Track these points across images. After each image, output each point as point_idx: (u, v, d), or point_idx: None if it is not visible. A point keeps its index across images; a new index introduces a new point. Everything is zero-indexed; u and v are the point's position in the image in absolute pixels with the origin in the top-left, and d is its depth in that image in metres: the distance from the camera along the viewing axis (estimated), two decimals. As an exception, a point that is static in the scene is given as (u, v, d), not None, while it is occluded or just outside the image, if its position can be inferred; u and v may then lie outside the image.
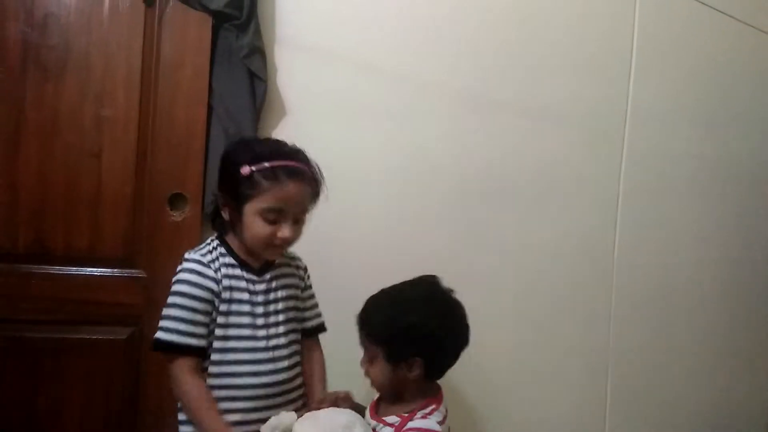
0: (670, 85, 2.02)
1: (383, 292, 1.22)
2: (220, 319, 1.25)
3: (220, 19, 1.66)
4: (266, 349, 1.29)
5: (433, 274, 1.23)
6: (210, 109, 1.68)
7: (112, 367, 1.65)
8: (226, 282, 1.26)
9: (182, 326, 1.21)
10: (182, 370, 1.21)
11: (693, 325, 2.10)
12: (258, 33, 1.70)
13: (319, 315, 1.44)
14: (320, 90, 1.78)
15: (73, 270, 1.65)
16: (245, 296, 1.28)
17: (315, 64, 1.79)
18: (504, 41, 1.92)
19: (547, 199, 1.96)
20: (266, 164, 1.21)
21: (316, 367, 1.40)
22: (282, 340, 1.31)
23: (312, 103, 1.75)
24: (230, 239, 1.31)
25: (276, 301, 1.32)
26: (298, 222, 1.26)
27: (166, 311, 1.23)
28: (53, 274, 1.63)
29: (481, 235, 1.92)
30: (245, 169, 1.21)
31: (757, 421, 2.18)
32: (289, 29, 1.78)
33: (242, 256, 1.30)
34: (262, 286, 1.31)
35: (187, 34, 1.67)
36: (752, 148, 2.09)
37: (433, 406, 1.17)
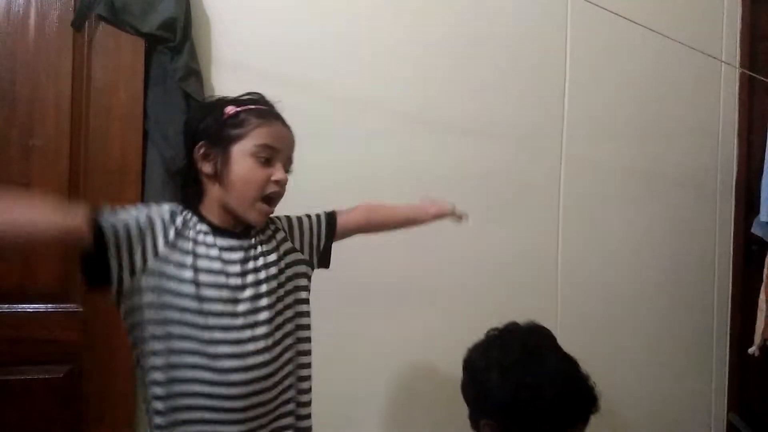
0: (603, 101, 2.09)
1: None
2: (188, 289, 1.04)
3: (153, 42, 1.62)
4: (245, 327, 1.08)
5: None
6: (146, 134, 1.63)
7: (49, 408, 1.57)
8: (200, 249, 1.06)
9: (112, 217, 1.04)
10: None
11: (636, 331, 2.15)
12: (193, 55, 1.66)
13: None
14: (261, 111, 1.75)
15: (4, 307, 1.57)
16: (217, 265, 1.07)
17: (254, 85, 1.73)
18: (446, 63, 1.93)
19: (491, 213, 1.98)
20: (252, 106, 1.12)
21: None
22: (265, 315, 1.10)
23: (252, 125, 1.72)
24: (205, 209, 1.11)
25: (257, 270, 1.12)
26: (287, 173, 1.14)
27: None
28: (-18, 313, 1.55)
29: (427, 248, 1.92)
30: (230, 109, 1.10)
31: (700, 423, 2.24)
32: (226, 50, 1.75)
33: (217, 222, 1.10)
34: (239, 255, 1.10)
35: (120, 58, 1.62)
36: (683, 158, 2.17)
37: None
